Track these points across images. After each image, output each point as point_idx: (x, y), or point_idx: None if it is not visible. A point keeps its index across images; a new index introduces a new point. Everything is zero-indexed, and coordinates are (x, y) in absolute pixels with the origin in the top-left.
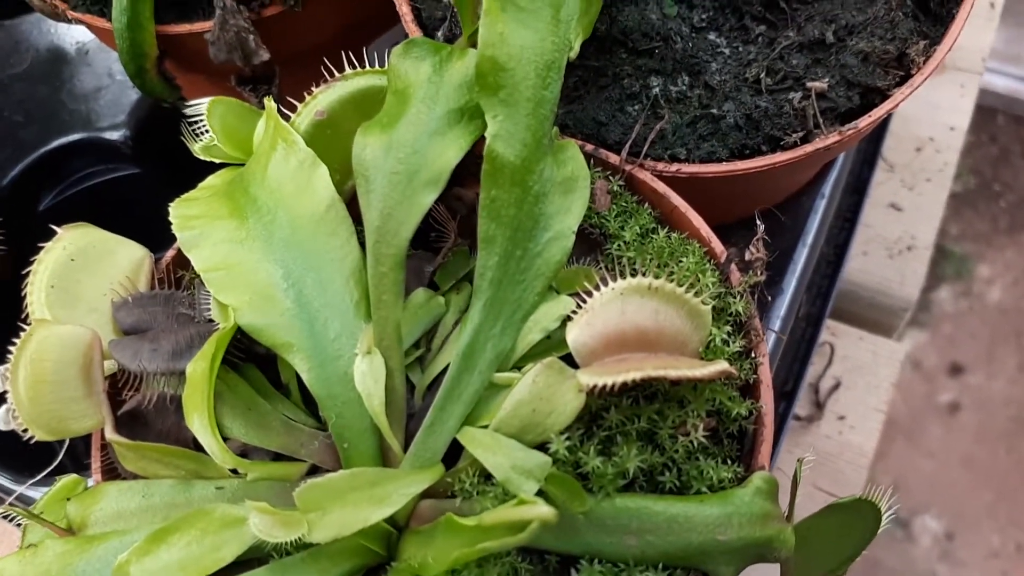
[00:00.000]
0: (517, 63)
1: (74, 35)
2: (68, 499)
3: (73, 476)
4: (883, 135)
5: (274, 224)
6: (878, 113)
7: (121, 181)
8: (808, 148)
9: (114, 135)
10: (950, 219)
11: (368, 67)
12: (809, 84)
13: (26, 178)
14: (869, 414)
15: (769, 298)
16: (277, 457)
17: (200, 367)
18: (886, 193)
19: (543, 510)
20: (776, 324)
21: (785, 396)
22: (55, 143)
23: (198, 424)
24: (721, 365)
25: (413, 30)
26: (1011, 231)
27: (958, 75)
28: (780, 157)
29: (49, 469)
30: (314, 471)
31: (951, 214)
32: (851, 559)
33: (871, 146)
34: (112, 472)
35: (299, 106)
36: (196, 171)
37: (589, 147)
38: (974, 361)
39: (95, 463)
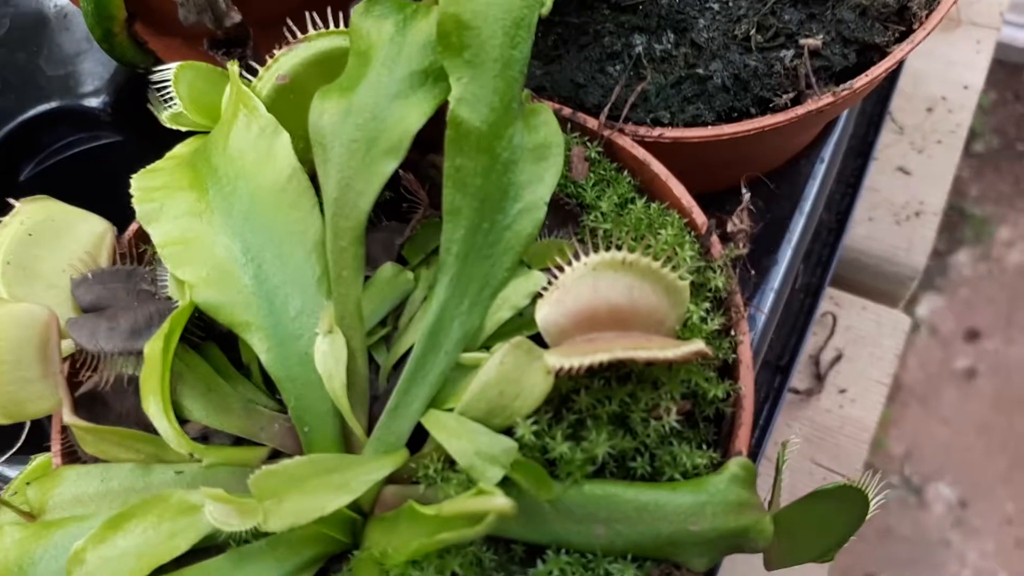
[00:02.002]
0: (483, 21)
1: None
2: (28, 483)
3: (47, 456)
4: (890, 94)
5: (234, 195)
6: (875, 72)
7: (103, 150)
8: (800, 110)
9: (94, 102)
10: (970, 180)
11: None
12: (802, 41)
13: (4, 148)
14: (871, 387)
15: (752, 272)
16: (238, 441)
17: (156, 347)
18: (894, 156)
19: (500, 502)
20: (770, 296)
21: (781, 370)
22: (33, 111)
23: (153, 407)
24: (696, 345)
25: None
26: None
27: (974, 30)
28: (769, 120)
29: (11, 451)
30: (276, 455)
31: (972, 175)
32: (838, 545)
33: (877, 106)
34: (72, 455)
35: (260, 70)
36: (179, 139)
37: (566, 111)
38: (992, 326)
39: (55, 446)
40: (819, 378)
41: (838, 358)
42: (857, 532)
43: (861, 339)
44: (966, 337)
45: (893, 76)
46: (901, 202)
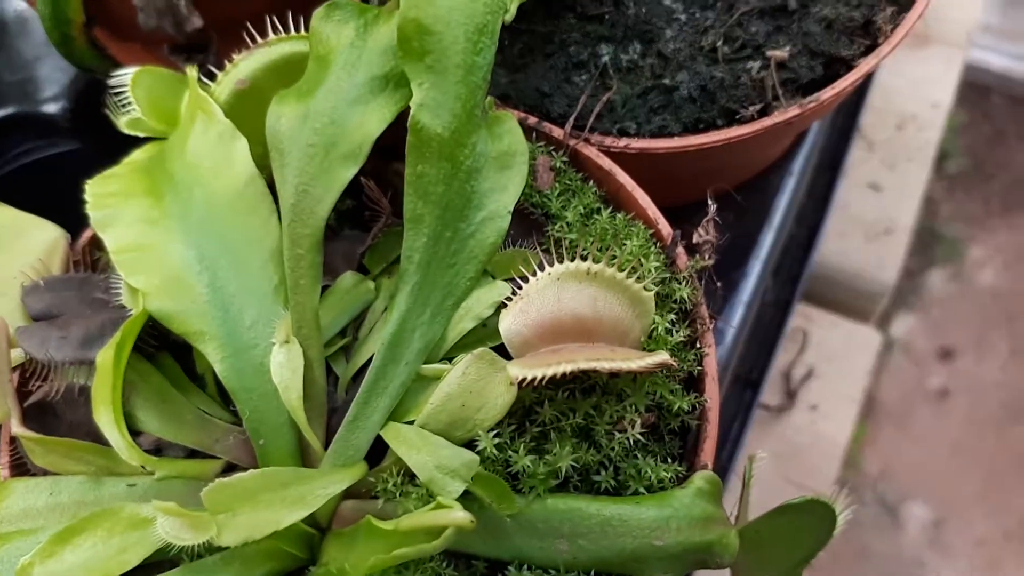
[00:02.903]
0: (445, 26)
1: (12, 2)
2: None
3: None
4: (859, 109)
5: (190, 202)
6: (842, 85)
7: (62, 157)
8: (766, 122)
9: (53, 108)
10: (942, 200)
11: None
12: (769, 53)
13: None
14: (843, 403)
15: (719, 284)
16: (193, 453)
17: (108, 357)
18: (866, 173)
19: (458, 516)
20: (739, 310)
21: (751, 385)
22: None
23: (105, 418)
24: (660, 356)
25: None
26: (1004, 213)
27: (943, 49)
28: (735, 132)
29: None
30: (231, 469)
31: (944, 195)
32: (806, 560)
33: (847, 121)
34: (22, 467)
35: (219, 75)
36: (140, 146)
37: (532, 120)
38: (964, 346)
39: (3, 458)
40: (790, 395)
41: (809, 375)
42: (832, 551)
43: (832, 355)
44: (939, 356)
45: (862, 91)
46: (872, 219)
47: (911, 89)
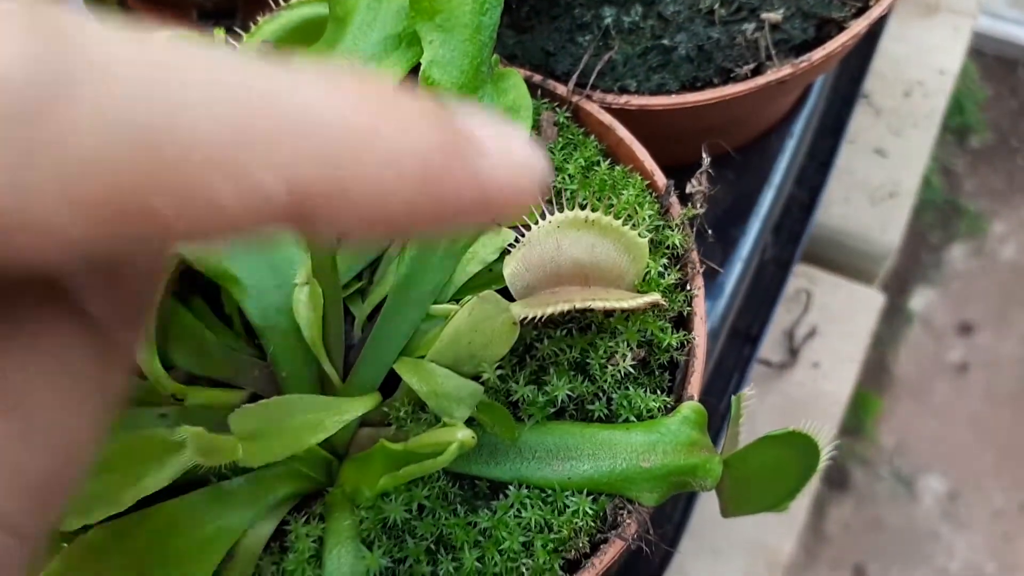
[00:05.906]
0: None
1: None
2: None
3: None
4: (863, 75)
5: None
6: (832, 46)
7: None
8: (759, 81)
9: None
10: (965, 175)
11: None
12: (763, 15)
13: None
14: (844, 362)
15: (709, 231)
16: (220, 386)
17: None
18: (872, 138)
19: (462, 434)
20: (738, 266)
21: (751, 340)
22: None
23: (141, 353)
24: (651, 296)
25: None
26: None
27: (951, 17)
28: (729, 90)
29: None
30: (257, 399)
31: (967, 170)
32: (791, 495)
33: (850, 86)
34: None
35: (244, 37)
36: None
37: (537, 78)
38: (984, 320)
39: None
40: (793, 352)
41: (812, 333)
42: (845, 523)
43: (834, 315)
44: (959, 331)
45: (865, 57)
46: (877, 183)
47: (918, 56)
